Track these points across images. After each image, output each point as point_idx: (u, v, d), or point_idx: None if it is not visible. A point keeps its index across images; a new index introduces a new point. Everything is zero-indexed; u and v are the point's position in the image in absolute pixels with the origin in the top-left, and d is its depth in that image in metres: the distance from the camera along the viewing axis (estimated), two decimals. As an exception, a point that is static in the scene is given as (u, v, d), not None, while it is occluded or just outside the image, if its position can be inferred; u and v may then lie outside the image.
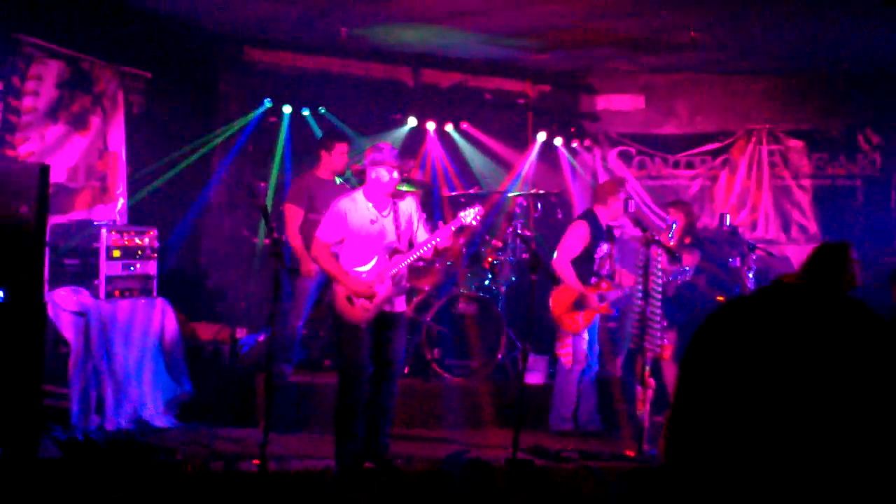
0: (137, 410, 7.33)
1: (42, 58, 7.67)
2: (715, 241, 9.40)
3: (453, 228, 6.31)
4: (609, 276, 7.69)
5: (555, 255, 7.65)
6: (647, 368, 6.84)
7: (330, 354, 8.32)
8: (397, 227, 6.37)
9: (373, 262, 6.30)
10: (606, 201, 7.69)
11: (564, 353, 7.65)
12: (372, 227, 6.30)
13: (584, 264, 7.59)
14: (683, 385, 1.43)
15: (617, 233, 10.05)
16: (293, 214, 7.89)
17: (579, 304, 7.53)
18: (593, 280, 7.60)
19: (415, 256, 6.33)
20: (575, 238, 7.60)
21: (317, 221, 6.73)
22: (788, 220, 10.98)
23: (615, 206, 7.67)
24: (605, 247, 7.68)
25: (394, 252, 6.33)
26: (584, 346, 7.62)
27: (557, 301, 7.59)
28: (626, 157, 11.41)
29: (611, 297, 7.56)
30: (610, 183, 8.04)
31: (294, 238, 7.85)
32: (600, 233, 7.65)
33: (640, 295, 6.91)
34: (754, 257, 8.41)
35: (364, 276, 6.28)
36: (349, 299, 6.26)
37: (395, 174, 6.30)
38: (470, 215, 6.29)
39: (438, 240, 6.29)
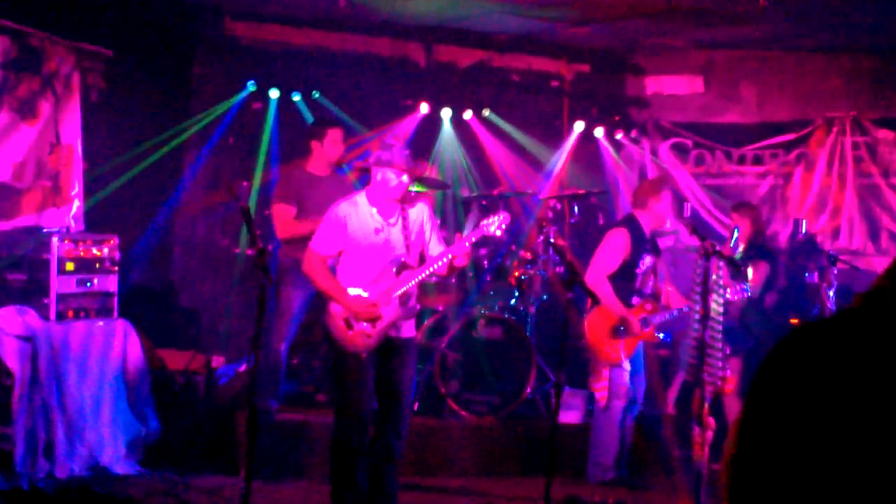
0: (94, 454, 7.33)
1: (-17, 33, 7.72)
2: (788, 253, 9.36)
3: (473, 240, 6.34)
4: (654, 295, 7.63)
5: (588, 270, 7.59)
6: (706, 405, 6.77)
7: (325, 387, 8.33)
8: (406, 237, 6.38)
9: (376, 279, 6.30)
10: (647, 204, 7.64)
11: (600, 387, 7.60)
12: (376, 238, 6.30)
13: (625, 281, 7.54)
14: (747, 425, 1.37)
15: (670, 242, 10.05)
16: (283, 214, 7.91)
17: (619, 330, 7.48)
18: (635, 300, 7.55)
19: (426, 273, 6.34)
20: (612, 249, 7.54)
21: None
22: (877, 227, 10.90)
23: (658, 209, 7.63)
24: (648, 260, 7.62)
25: (402, 267, 6.33)
26: (626, 378, 7.58)
27: (593, 326, 7.54)
28: (680, 150, 11.38)
29: (656, 321, 7.51)
30: (651, 182, 8.02)
31: (290, 231, 7.81)
32: (643, 243, 7.60)
33: (697, 317, 6.85)
34: (836, 271, 8.36)
35: (366, 295, 6.29)
36: (347, 322, 6.26)
37: (405, 178, 6.31)
38: (494, 224, 6.30)
39: (452, 255, 6.29)
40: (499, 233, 6.33)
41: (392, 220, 6.37)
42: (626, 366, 7.58)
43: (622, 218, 8.06)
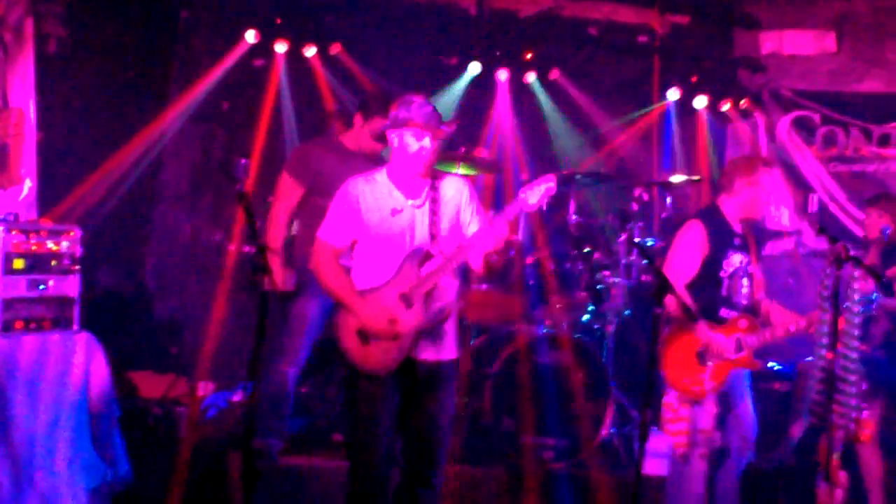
0: (47, 502, 7.34)
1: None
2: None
3: (510, 218, 6.13)
4: (751, 307, 7.51)
5: None
6: (836, 455, 6.73)
7: (342, 424, 8.28)
8: (434, 222, 6.25)
9: (396, 276, 6.18)
10: (733, 187, 7.50)
11: (677, 430, 7.41)
12: (393, 221, 6.20)
13: (708, 289, 7.39)
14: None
15: (789, 245, 9.98)
16: (286, 189, 7.97)
17: (705, 355, 7.38)
18: (724, 313, 7.43)
19: (453, 263, 6.15)
20: (685, 249, 7.39)
21: (324, 208, 6.66)
22: None
23: (749, 194, 7.46)
24: (736, 259, 7.47)
25: (425, 258, 6.25)
26: (709, 420, 7.43)
27: (670, 350, 7.40)
28: (805, 126, 11.38)
29: (754, 343, 7.36)
30: (745, 160, 7.86)
31: (277, 221, 7.91)
32: (727, 238, 7.43)
33: (825, 341, 6.78)
34: None
35: (379, 296, 6.19)
36: (361, 335, 6.19)
37: (428, 142, 6.22)
38: (535, 195, 6.04)
39: (473, 239, 6.12)
40: (534, 201, 6.04)
41: (417, 202, 6.27)
42: (712, 403, 7.43)
43: (700, 209, 8.04)
